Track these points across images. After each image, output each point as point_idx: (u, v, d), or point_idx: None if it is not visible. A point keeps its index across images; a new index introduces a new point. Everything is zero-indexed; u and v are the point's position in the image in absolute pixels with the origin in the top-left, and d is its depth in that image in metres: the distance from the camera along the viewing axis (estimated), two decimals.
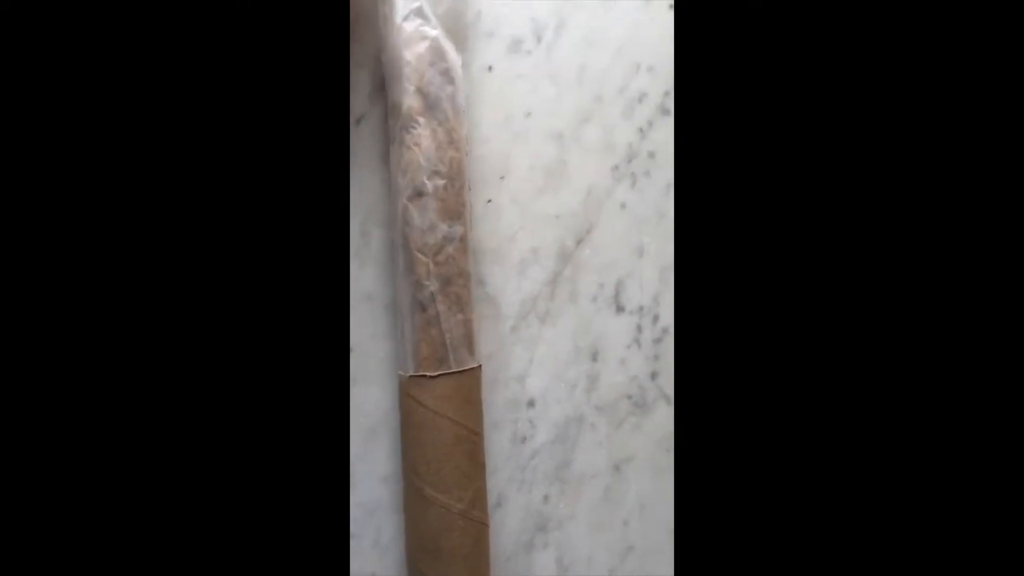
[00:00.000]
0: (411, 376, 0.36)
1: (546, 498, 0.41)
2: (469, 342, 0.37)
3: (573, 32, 0.40)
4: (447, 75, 0.36)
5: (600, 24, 0.40)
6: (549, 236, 0.41)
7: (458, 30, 0.38)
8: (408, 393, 0.37)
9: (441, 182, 0.36)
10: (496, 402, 0.41)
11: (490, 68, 0.40)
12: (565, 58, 0.40)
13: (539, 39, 0.40)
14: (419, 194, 0.36)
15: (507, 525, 0.41)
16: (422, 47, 0.36)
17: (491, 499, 0.40)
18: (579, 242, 0.41)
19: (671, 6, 0.41)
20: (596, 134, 0.41)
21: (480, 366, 0.37)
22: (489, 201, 0.40)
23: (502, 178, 0.40)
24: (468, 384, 0.37)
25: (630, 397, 0.41)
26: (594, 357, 0.41)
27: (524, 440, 0.41)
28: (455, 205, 0.37)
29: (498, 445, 0.41)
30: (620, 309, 0.41)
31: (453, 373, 0.36)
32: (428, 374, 0.36)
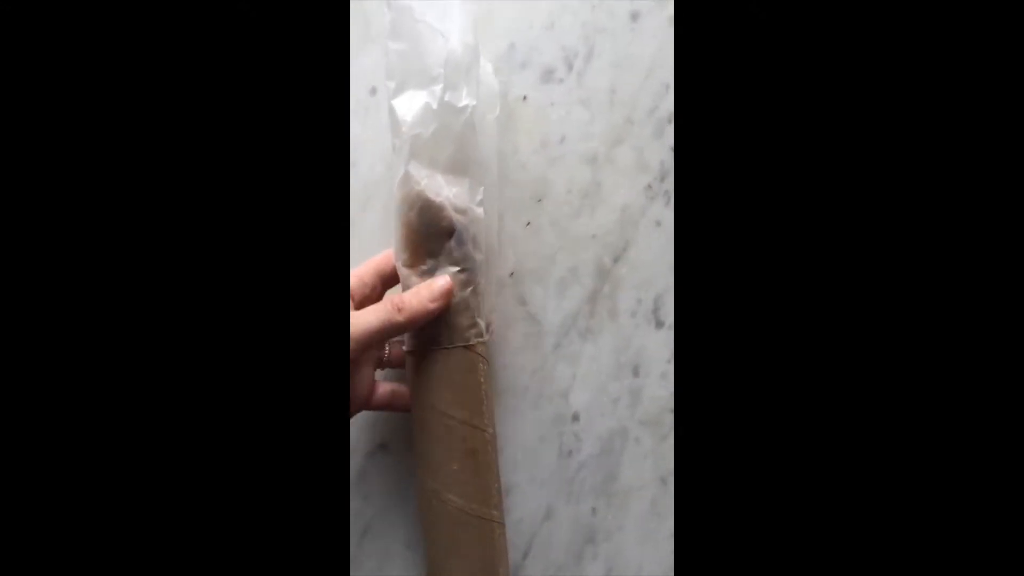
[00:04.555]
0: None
1: (594, 510, 0.42)
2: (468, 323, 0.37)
3: (602, 58, 0.42)
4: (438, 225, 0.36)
5: (628, 48, 0.42)
6: (587, 255, 0.42)
7: (467, 164, 0.36)
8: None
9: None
10: (541, 417, 0.42)
11: (524, 97, 0.42)
12: (596, 83, 0.42)
13: (570, 66, 0.42)
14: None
15: (557, 536, 0.42)
16: (412, 214, 0.36)
17: (539, 511, 0.42)
18: (616, 260, 0.42)
19: None
20: (629, 155, 0.42)
21: (455, 347, 0.36)
22: (528, 224, 0.42)
23: (539, 201, 0.42)
24: (435, 361, 0.37)
25: (673, 411, 0.42)
26: (635, 372, 0.42)
27: (570, 454, 0.42)
28: None
29: (545, 459, 0.42)
30: (659, 324, 0.42)
31: (414, 351, 0.37)
32: (404, 348, 0.38)
